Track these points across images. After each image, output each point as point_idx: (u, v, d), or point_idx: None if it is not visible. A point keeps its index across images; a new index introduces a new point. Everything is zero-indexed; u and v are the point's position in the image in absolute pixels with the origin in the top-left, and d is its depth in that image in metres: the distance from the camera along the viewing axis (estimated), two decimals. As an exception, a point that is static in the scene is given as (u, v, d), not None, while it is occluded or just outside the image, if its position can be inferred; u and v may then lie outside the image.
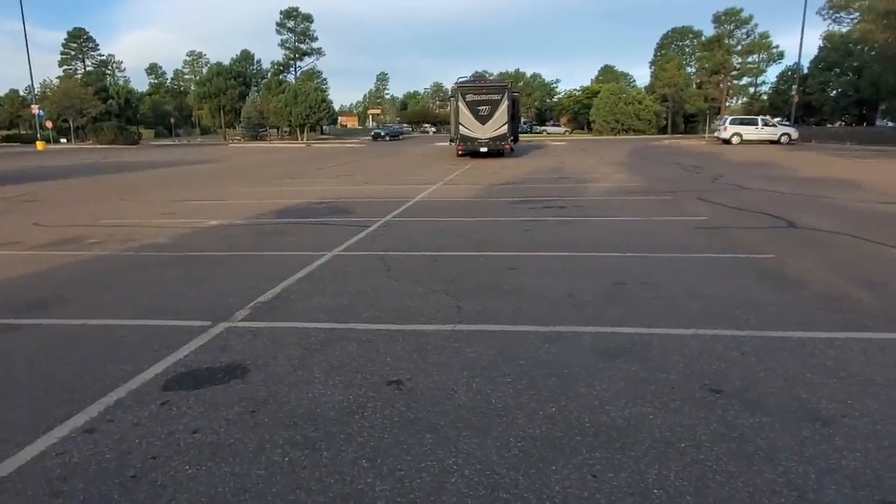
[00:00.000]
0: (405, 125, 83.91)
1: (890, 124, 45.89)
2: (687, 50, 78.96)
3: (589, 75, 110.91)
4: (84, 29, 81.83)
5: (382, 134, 64.04)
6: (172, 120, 73.23)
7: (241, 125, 65.19)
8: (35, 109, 49.51)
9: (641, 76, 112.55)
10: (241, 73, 74.11)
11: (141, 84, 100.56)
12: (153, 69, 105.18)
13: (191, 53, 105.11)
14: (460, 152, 26.30)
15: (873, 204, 10.61)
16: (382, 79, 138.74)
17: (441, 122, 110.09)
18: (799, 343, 3.95)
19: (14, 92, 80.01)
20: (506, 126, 25.53)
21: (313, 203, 11.87)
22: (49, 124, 53.13)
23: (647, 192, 12.98)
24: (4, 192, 15.29)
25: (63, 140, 57.95)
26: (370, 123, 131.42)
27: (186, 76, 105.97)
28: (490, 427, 2.93)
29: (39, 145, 46.30)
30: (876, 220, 9.00)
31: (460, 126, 25.66)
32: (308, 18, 71.55)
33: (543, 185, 14.85)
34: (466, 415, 3.05)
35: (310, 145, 51.19)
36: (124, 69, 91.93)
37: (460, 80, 26.76)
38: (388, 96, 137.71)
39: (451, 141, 30.68)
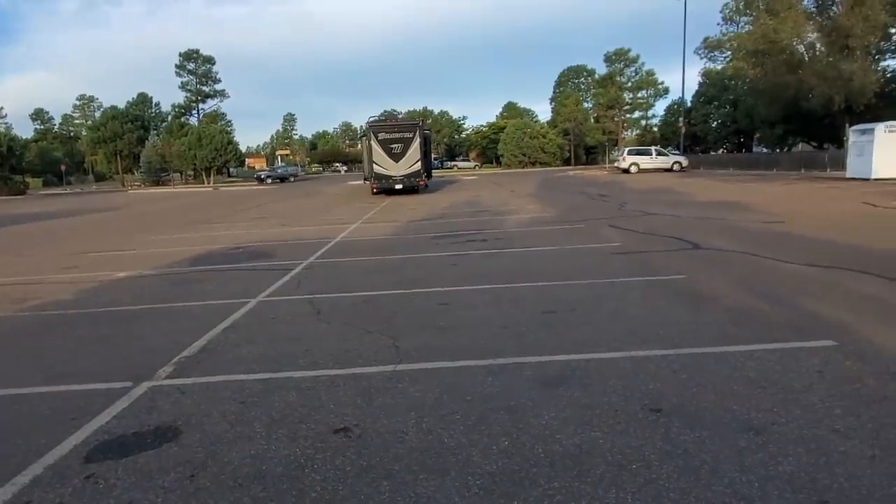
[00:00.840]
0: (294, 166, 70.87)
1: (764, 150, 50.69)
2: (582, 87, 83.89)
3: (494, 112, 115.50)
4: (-42, 73, 75.76)
5: (263, 177, 57.49)
6: (63, 167, 68.52)
7: (141, 170, 62.02)
8: None
9: (542, 111, 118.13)
10: (139, 116, 70.78)
11: (25, 130, 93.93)
12: (39, 114, 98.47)
13: (81, 97, 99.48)
14: (375, 190, 26.34)
15: (762, 223, 11.58)
16: (290, 119, 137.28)
17: (352, 161, 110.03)
18: (721, 357, 4.20)
19: None
20: (419, 163, 25.91)
21: (230, 249, 11.43)
22: (-83, 176, 48.30)
23: (561, 221, 13.51)
24: None
25: (-67, 193, 52.67)
26: (279, 164, 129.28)
27: (77, 121, 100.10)
28: (446, 467, 2.89)
29: None
30: (767, 238, 9.82)
31: (374, 164, 25.76)
32: (210, 60, 69.86)
33: (462, 219, 15.12)
34: (421, 457, 3.00)
35: (218, 189, 49.46)
36: (5, 115, 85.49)
37: (371, 119, 27.02)
38: (296, 137, 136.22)
39: (366, 179, 30.66)
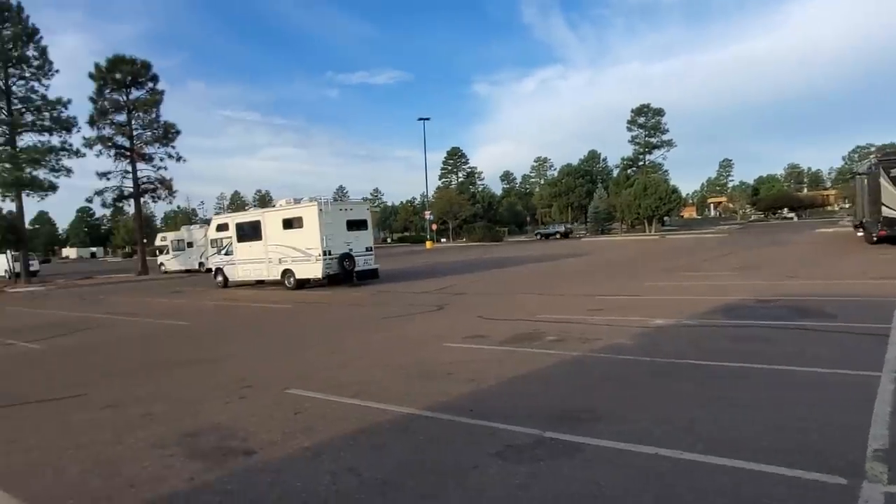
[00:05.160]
0: (563, 224, 66.03)
1: None
2: None
3: None
4: (459, 148, 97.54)
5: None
6: (527, 218, 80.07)
7: (589, 219, 67.23)
8: (427, 215, 59.71)
9: None
10: (588, 171, 77.63)
11: (496, 188, 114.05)
12: (506, 175, 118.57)
13: (537, 159, 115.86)
14: (876, 238, 21.23)
15: None
16: (725, 165, 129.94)
17: (802, 207, 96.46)
18: None
19: (406, 202, 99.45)
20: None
21: (750, 301, 10.10)
22: (434, 227, 63.34)
23: None
24: (431, 284, 17.49)
25: (443, 239, 68.27)
26: (711, 213, 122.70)
27: (532, 179, 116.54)
28: None
29: (428, 244, 55.24)
30: None
31: (883, 206, 20.80)
32: (659, 112, 71.23)
33: None
34: None
35: (663, 237, 49.29)
36: (483, 178, 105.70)
37: (881, 152, 22.11)
38: (732, 183, 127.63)
39: (856, 227, 25.51)
